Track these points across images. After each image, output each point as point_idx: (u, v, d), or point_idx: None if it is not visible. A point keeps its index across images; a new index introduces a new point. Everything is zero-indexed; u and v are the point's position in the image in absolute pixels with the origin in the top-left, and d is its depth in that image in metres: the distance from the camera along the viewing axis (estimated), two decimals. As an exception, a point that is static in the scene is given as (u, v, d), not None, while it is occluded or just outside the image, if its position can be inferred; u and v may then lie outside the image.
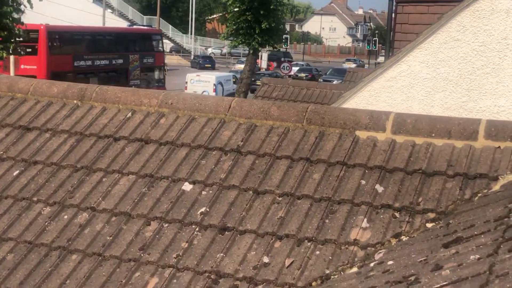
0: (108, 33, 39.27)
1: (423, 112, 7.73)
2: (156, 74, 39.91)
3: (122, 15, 65.11)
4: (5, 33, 24.51)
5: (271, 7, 30.38)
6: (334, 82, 35.31)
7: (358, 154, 3.99)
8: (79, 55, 33.31)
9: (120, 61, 36.80)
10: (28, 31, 28.34)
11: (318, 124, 4.23)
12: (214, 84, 38.65)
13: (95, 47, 35.84)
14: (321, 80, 45.30)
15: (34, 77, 26.32)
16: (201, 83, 38.36)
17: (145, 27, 52.90)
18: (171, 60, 73.83)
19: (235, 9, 31.32)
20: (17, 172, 4.29)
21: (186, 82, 38.96)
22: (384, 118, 4.12)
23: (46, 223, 3.89)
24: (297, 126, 4.27)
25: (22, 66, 30.15)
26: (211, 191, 3.94)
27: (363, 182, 3.81)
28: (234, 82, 40.00)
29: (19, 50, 26.15)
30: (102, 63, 35.65)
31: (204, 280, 3.41)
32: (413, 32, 9.26)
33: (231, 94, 35.45)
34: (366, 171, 3.89)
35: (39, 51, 30.84)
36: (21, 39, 25.94)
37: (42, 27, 31.59)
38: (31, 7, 24.91)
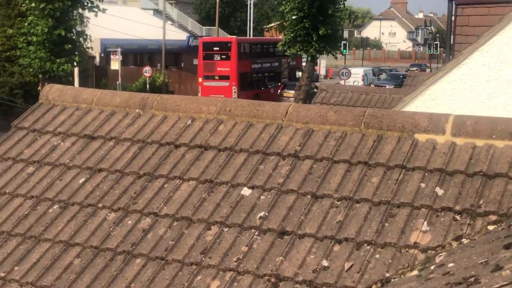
0: (269, 43, 49.17)
1: (486, 114, 7.58)
2: (297, 74, 48.40)
3: (182, 27, 66.11)
4: (70, 46, 25.26)
5: (329, 12, 30.27)
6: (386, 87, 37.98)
7: (417, 157, 3.96)
8: (254, 59, 43.24)
9: (276, 64, 47.12)
10: (223, 42, 43.05)
11: (376, 128, 4.22)
12: (362, 76, 55.67)
13: (263, 54, 46.76)
14: (373, 85, 47.60)
15: (228, 77, 41.31)
16: (352, 76, 49.79)
17: None
18: (230, 69, 74.39)
19: (293, 17, 31.34)
20: (82, 179, 4.44)
21: (340, 76, 49.13)
22: (444, 120, 4.08)
23: (111, 229, 4.01)
24: (354, 130, 4.27)
25: (218, 68, 41.59)
26: (269, 196, 3.99)
27: (422, 185, 3.79)
28: (373, 74, 58.36)
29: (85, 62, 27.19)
30: (266, 66, 46.10)
31: (264, 283, 3.46)
32: (473, 34, 9.10)
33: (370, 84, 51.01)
34: (426, 174, 3.86)
35: (232, 57, 41.66)
36: (89, 52, 27.23)
37: (233, 39, 43.42)
38: (96, 15, 25.58)
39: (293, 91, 36.95)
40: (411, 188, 3.78)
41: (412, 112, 4.28)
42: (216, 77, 41.90)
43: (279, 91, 42.82)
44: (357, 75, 54.32)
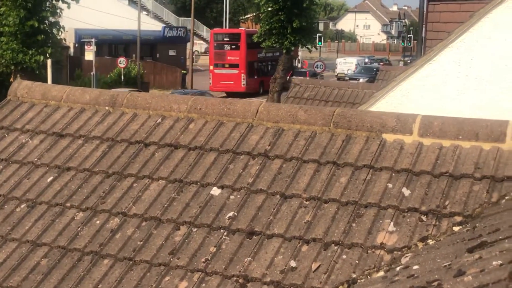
0: None
1: (456, 110, 7.67)
2: (293, 62, 50.87)
3: (157, 17, 65.67)
4: (42, 37, 24.95)
5: (304, 5, 30.31)
6: (360, 80, 41.11)
7: (385, 157, 4.00)
8: (260, 49, 42.51)
9: (277, 53, 45.48)
10: (233, 34, 48.24)
11: (345, 128, 4.24)
12: (356, 64, 60.49)
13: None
14: (347, 78, 49.62)
15: (237, 65, 46.17)
16: (347, 64, 60.74)
17: None
18: (205, 61, 74.22)
19: (268, 9, 31.32)
20: (51, 178, 4.40)
21: (336, 64, 59.71)
22: (411, 120, 4.11)
23: (79, 228, 3.99)
24: (324, 130, 4.29)
25: (228, 57, 46.71)
26: (239, 196, 3.99)
27: (389, 185, 3.82)
28: (365, 63, 62.61)
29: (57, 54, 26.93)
30: (269, 55, 47.70)
31: (232, 284, 3.46)
32: (445, 30, 9.18)
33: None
34: (393, 174, 3.89)
35: (241, 47, 46.44)
36: (63, 43, 27.11)
37: (243, 31, 48.42)
38: (68, 7, 25.30)
39: (301, 78, 40.55)
40: (378, 188, 3.82)
41: (380, 112, 4.31)
42: (226, 65, 46.77)
43: (287, 77, 45.06)
44: (351, 64, 61.48)
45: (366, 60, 69.17)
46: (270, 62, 49.52)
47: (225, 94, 44.15)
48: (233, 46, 47.00)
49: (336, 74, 59.51)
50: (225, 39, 48.22)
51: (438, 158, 3.89)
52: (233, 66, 46.69)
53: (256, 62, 48.03)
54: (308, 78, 39.36)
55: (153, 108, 4.79)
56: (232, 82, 46.73)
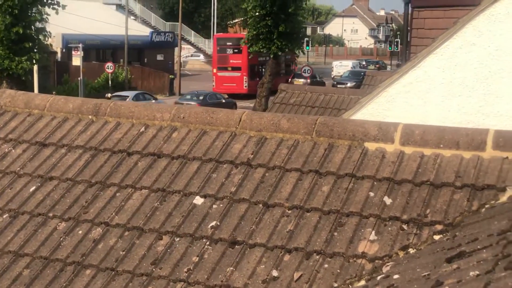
0: None
1: (440, 117, 7.71)
2: (291, 66, 56.48)
3: (145, 22, 65.62)
4: (30, 44, 24.86)
5: (290, 10, 30.39)
6: (348, 85, 42.45)
7: (366, 166, 4.02)
8: (260, 53, 44.53)
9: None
10: (236, 38, 48.82)
11: (327, 136, 4.26)
12: (351, 67, 63.93)
13: None
14: (334, 82, 51.02)
15: (239, 68, 48.98)
16: (343, 67, 64.16)
17: None
18: (193, 65, 74.21)
19: (256, 14, 31.38)
20: (33, 188, 4.39)
21: (332, 67, 63.55)
22: (393, 129, 4.14)
23: (61, 239, 3.97)
24: (306, 138, 4.31)
25: (231, 61, 49.60)
26: (221, 205, 4.00)
27: (371, 194, 3.84)
28: (360, 66, 68.12)
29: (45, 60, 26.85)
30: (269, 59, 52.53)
31: (214, 294, 3.46)
32: (429, 37, 9.22)
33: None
34: (375, 183, 3.91)
35: (243, 51, 47.03)
36: (50, 48, 27.08)
37: (244, 36, 46.71)
38: (57, 13, 25.22)
39: (302, 80, 43.21)
40: (360, 197, 3.83)
41: (362, 121, 4.34)
42: (229, 68, 49.66)
43: (289, 79, 47.63)
44: (347, 66, 65.54)
45: (364, 62, 75.01)
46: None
47: (226, 96, 45.07)
48: (236, 50, 49.51)
49: (332, 76, 62.15)
50: (228, 43, 50.82)
51: (419, 167, 3.91)
52: (235, 69, 49.52)
53: (257, 65, 50.03)
54: (309, 80, 41.33)
55: (136, 117, 4.79)
56: (235, 84, 49.00)
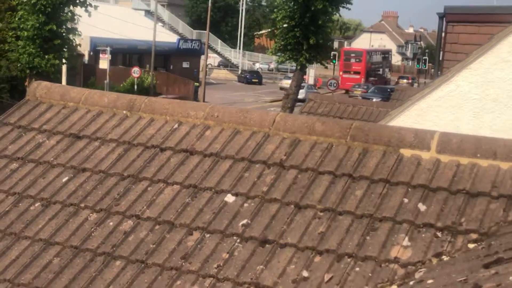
0: (378, 52, 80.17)
1: (471, 133, 7.64)
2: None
3: (173, 29, 66.04)
4: (59, 41, 25.15)
5: (320, 23, 30.37)
6: (373, 100, 43.05)
7: (401, 172, 3.98)
8: (371, 61, 70.20)
9: (381, 65, 79.34)
10: (358, 51, 72.31)
11: (362, 141, 4.24)
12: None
13: (376, 58, 77.35)
14: (360, 97, 52.43)
15: (359, 72, 68.97)
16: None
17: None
18: (218, 74, 74.46)
19: (284, 25, 31.40)
20: (66, 178, 4.42)
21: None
22: (429, 137, 4.10)
23: (92, 229, 3.99)
24: (340, 142, 4.29)
25: (353, 67, 69.28)
26: (253, 204, 3.99)
27: (405, 200, 3.81)
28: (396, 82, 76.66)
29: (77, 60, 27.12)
30: (374, 66, 75.12)
31: (243, 291, 3.45)
32: (463, 52, 9.18)
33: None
34: (409, 189, 3.88)
35: (363, 60, 69.68)
36: (78, 50, 27.46)
37: (364, 50, 72.97)
38: (89, 15, 25.48)
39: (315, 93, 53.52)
40: (394, 202, 3.80)
41: (398, 127, 4.31)
42: (352, 72, 68.78)
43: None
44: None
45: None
46: (378, 69, 75.38)
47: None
48: (357, 60, 70.07)
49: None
50: (352, 54, 71.44)
51: (455, 175, 3.87)
52: (356, 73, 68.38)
53: (370, 70, 71.36)
54: (410, 80, 59.75)
55: (170, 113, 4.81)
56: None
